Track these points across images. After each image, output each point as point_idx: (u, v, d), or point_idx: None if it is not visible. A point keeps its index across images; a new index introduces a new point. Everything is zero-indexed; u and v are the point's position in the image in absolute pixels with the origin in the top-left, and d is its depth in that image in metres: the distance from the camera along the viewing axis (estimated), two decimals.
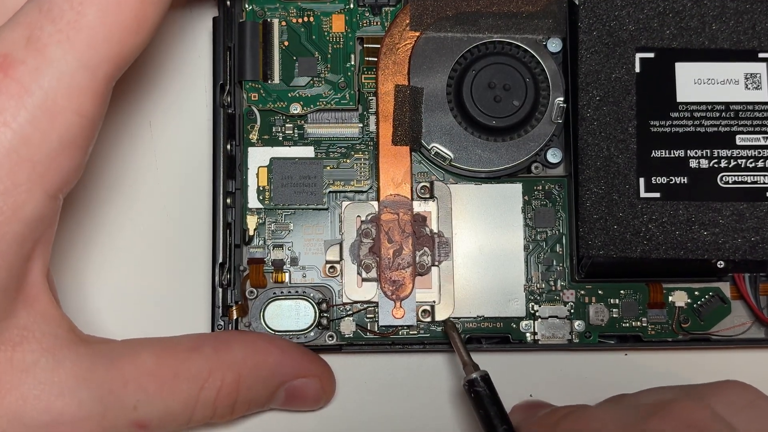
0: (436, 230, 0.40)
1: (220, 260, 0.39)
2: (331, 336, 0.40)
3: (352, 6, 0.41)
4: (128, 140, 0.42)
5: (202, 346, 0.36)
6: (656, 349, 0.42)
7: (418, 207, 0.40)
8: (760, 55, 0.40)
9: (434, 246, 0.40)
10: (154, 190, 0.42)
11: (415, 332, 0.40)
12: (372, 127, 0.41)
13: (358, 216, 0.40)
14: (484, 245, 0.41)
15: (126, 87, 0.42)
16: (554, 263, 0.41)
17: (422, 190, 0.41)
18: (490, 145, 0.40)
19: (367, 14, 0.42)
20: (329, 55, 0.41)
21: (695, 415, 0.32)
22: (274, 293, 0.40)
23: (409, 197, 0.40)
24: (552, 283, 0.41)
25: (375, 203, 0.40)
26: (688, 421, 0.31)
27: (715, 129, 0.39)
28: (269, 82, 0.41)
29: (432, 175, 0.41)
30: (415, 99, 0.40)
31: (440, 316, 0.40)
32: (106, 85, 0.32)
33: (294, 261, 0.41)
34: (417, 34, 0.41)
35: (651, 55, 0.39)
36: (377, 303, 0.40)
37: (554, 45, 0.41)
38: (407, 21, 0.41)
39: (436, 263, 0.40)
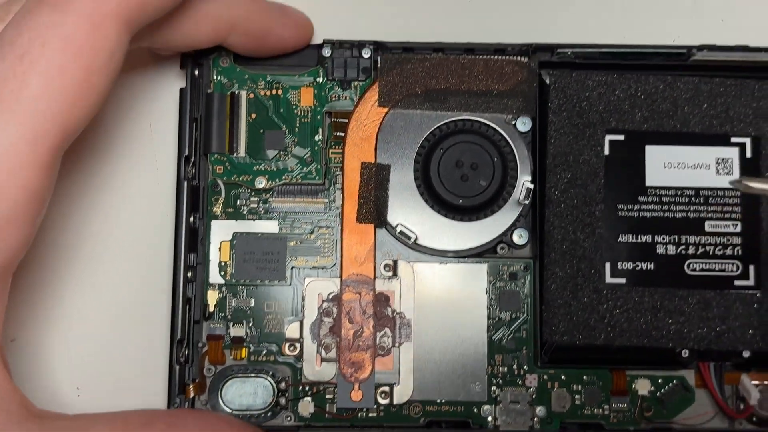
0: (398, 310, 0.40)
1: (179, 337, 0.38)
2: (288, 417, 0.39)
3: (321, 80, 0.41)
4: (89, 207, 0.42)
5: (155, 423, 0.35)
6: None
7: (381, 285, 0.40)
8: (733, 139, 0.39)
9: (395, 327, 0.40)
10: (115, 259, 0.42)
11: (374, 414, 0.40)
12: (338, 203, 0.41)
13: (320, 294, 0.40)
14: (447, 326, 0.40)
15: (88, 152, 0.42)
16: (517, 346, 0.40)
17: (386, 269, 0.40)
18: (456, 224, 0.40)
19: (336, 88, 0.41)
20: (297, 129, 0.41)
21: None
22: (233, 370, 0.40)
23: (372, 276, 0.40)
24: (515, 366, 0.40)
25: (337, 280, 0.40)
26: None
27: (684, 215, 0.39)
28: (235, 154, 0.40)
29: (397, 253, 0.41)
30: (381, 176, 0.40)
31: (399, 398, 0.39)
32: (52, 157, 0.31)
33: (254, 338, 0.40)
34: (385, 110, 0.40)
35: (621, 137, 0.39)
36: (336, 384, 0.39)
37: (523, 124, 0.40)
38: (376, 97, 0.40)
39: (397, 345, 0.40)
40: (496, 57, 0.40)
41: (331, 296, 0.40)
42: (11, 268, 0.32)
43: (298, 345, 0.40)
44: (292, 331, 0.40)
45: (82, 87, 0.31)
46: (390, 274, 0.40)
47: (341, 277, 0.40)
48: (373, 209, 0.40)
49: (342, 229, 0.40)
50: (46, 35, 0.30)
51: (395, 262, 0.40)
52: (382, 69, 0.40)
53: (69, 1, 0.30)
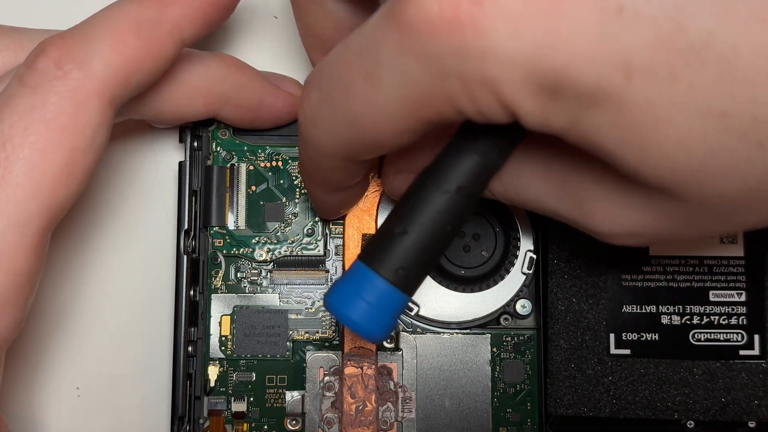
0: (400, 383, 0.39)
1: (180, 413, 0.38)
2: None
3: None
4: (88, 282, 0.42)
5: None
6: None
7: (383, 358, 0.40)
8: None
9: (398, 401, 0.39)
10: (114, 334, 0.41)
11: None
12: (339, 274, 0.40)
13: (321, 367, 0.39)
14: (451, 398, 0.40)
15: (86, 225, 0.41)
16: (522, 419, 0.40)
17: (388, 341, 0.40)
18: (458, 295, 0.40)
19: None
20: (297, 201, 0.41)
21: None
22: None
23: (374, 349, 0.39)
24: None
25: (339, 353, 0.40)
26: None
27: (688, 284, 0.39)
28: (235, 227, 0.40)
29: (398, 324, 0.40)
30: None
31: None
32: (39, 239, 0.31)
33: (255, 413, 0.40)
34: None
35: None
36: None
37: None
38: (376, 168, 0.40)
39: (400, 419, 0.39)
40: None
41: (333, 370, 0.39)
42: (3, 349, 0.31)
43: (300, 420, 0.39)
44: (293, 405, 0.39)
45: (67, 168, 0.30)
46: (392, 346, 0.40)
47: (342, 350, 0.39)
48: None
49: None
50: (27, 119, 0.30)
51: (397, 335, 0.40)
52: None
53: (50, 83, 0.30)
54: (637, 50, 0.22)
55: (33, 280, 0.31)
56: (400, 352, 0.40)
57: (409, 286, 0.30)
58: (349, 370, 0.39)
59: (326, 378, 0.39)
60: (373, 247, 0.30)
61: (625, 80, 0.23)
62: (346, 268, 0.40)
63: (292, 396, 0.40)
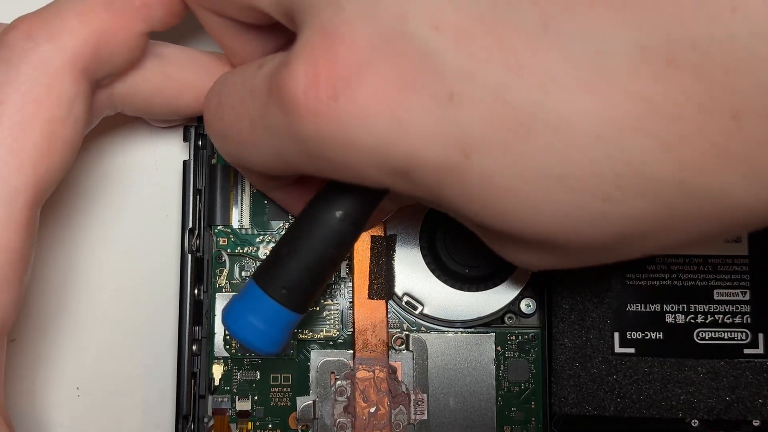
0: (412, 385, 0.39)
1: (184, 412, 0.38)
2: None
3: None
4: (91, 283, 0.41)
5: None
6: None
7: (394, 359, 0.40)
8: None
9: (410, 403, 0.39)
10: (117, 332, 0.41)
11: None
12: (342, 273, 0.40)
13: (333, 372, 0.39)
14: (455, 397, 0.40)
15: (91, 225, 0.41)
16: (527, 418, 0.40)
17: (398, 342, 0.40)
18: (463, 294, 0.40)
19: None
20: None
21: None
22: None
23: (385, 352, 0.39)
24: None
25: (348, 353, 0.40)
26: None
27: (693, 283, 0.39)
28: (239, 226, 0.40)
29: (403, 323, 0.40)
30: (389, 247, 0.39)
31: None
32: (28, 214, 0.31)
33: (259, 411, 0.40)
34: None
35: None
36: None
37: None
38: None
39: (412, 422, 0.39)
40: None
41: (344, 374, 0.39)
42: (5, 330, 0.31)
43: (311, 425, 0.39)
44: (305, 411, 0.39)
45: (46, 140, 0.31)
46: (402, 348, 0.40)
47: (354, 354, 0.39)
48: (384, 284, 0.39)
49: (353, 306, 0.40)
50: (3, 93, 0.30)
51: (407, 336, 0.40)
52: None
53: (21, 55, 0.31)
54: (470, 129, 0.24)
55: (25, 258, 0.31)
56: (411, 354, 0.40)
57: (296, 304, 0.31)
58: (361, 374, 0.39)
59: (338, 382, 0.39)
60: (264, 267, 0.32)
61: (463, 157, 0.24)
62: (355, 271, 0.40)
63: (303, 402, 0.39)
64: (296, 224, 0.31)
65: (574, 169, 0.23)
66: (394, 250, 0.40)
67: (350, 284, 0.40)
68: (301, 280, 0.31)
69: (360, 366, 0.39)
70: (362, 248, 0.40)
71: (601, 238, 0.25)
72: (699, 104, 0.22)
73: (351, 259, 0.40)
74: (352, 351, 0.40)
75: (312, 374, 0.40)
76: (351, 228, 0.31)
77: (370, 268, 0.39)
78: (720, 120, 0.22)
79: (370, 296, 0.39)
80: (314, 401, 0.39)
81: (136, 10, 0.33)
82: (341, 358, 0.40)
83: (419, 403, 0.39)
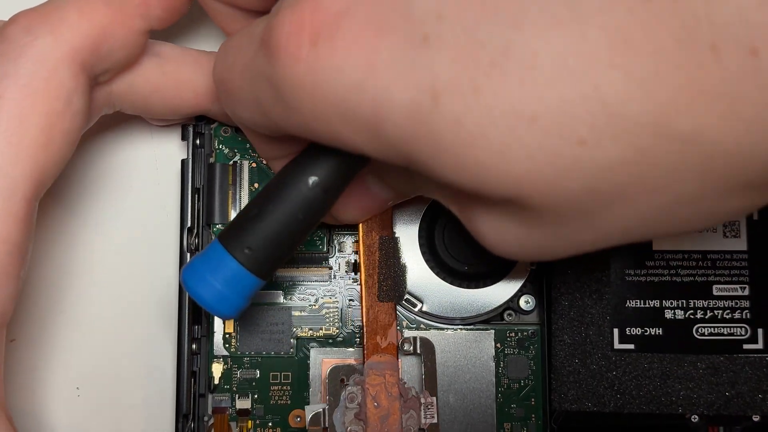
0: (421, 388, 0.39)
1: (184, 411, 0.38)
2: None
3: None
4: (90, 282, 0.42)
5: None
6: None
7: (403, 362, 0.40)
8: None
9: (420, 407, 0.39)
10: (116, 331, 0.41)
11: None
12: (342, 271, 0.40)
13: (342, 378, 0.39)
14: (454, 394, 0.40)
15: (90, 224, 0.41)
16: (527, 414, 0.40)
17: (406, 344, 0.40)
18: (462, 291, 0.40)
19: None
20: None
21: None
22: None
23: (396, 356, 0.39)
24: None
25: (348, 352, 0.40)
26: None
27: (692, 278, 0.39)
28: None
29: (403, 321, 0.40)
30: (396, 248, 0.39)
31: None
32: (27, 206, 0.31)
33: (259, 410, 0.40)
34: None
35: None
36: None
37: None
38: None
39: (423, 426, 0.39)
40: None
41: (354, 380, 0.39)
42: (4, 323, 0.32)
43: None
44: (315, 419, 0.39)
45: (45, 132, 0.31)
46: (411, 350, 0.40)
47: (364, 359, 0.39)
48: (394, 285, 0.39)
49: (362, 308, 0.39)
50: (1, 87, 0.31)
51: (415, 339, 0.40)
52: None
53: (21, 48, 0.31)
54: (440, 71, 0.24)
55: (23, 251, 0.32)
56: (419, 356, 0.40)
57: (259, 267, 0.31)
58: (371, 379, 0.39)
59: (348, 389, 0.39)
60: (230, 227, 0.31)
61: (433, 103, 0.24)
62: (362, 271, 0.39)
63: (312, 410, 0.39)
64: (268, 187, 0.31)
65: (547, 109, 0.23)
66: (400, 251, 0.40)
67: (349, 282, 0.40)
68: (266, 242, 0.30)
69: (371, 371, 0.39)
70: (371, 249, 0.39)
71: (573, 191, 0.24)
72: (676, 37, 0.22)
73: (360, 259, 0.39)
74: (352, 350, 0.40)
75: (312, 372, 0.40)
76: (322, 195, 0.30)
77: (378, 269, 0.39)
78: (698, 53, 0.21)
79: (380, 298, 0.39)
80: (324, 409, 0.39)
81: (136, 7, 0.33)
82: (349, 363, 0.40)
83: (429, 406, 0.39)
